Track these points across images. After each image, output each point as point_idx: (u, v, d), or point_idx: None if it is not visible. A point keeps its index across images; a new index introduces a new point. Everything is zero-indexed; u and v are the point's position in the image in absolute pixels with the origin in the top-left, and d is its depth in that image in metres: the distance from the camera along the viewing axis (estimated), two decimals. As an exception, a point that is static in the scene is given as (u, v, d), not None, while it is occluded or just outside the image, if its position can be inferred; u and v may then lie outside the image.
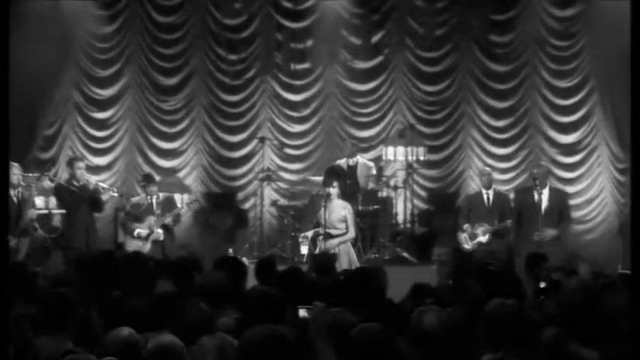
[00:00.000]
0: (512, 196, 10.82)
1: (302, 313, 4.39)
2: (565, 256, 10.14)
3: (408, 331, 3.86)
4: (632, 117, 4.31)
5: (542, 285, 6.15)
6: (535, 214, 8.94)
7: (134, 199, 10.33)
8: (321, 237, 8.72)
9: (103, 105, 13.03)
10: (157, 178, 10.88)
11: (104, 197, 9.75)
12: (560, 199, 8.99)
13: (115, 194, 10.17)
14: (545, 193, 8.93)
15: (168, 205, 10.24)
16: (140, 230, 9.95)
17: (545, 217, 8.95)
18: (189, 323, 4.23)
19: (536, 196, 8.97)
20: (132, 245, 9.85)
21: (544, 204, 8.96)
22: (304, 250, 9.22)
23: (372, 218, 11.62)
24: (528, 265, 7.07)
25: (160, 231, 9.94)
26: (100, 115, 13.03)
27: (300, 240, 9.03)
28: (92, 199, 9.57)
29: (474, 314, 4.20)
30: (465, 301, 4.85)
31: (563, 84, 12.82)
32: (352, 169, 11.76)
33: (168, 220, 9.99)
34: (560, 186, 12.54)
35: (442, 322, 3.68)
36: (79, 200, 9.54)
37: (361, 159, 11.96)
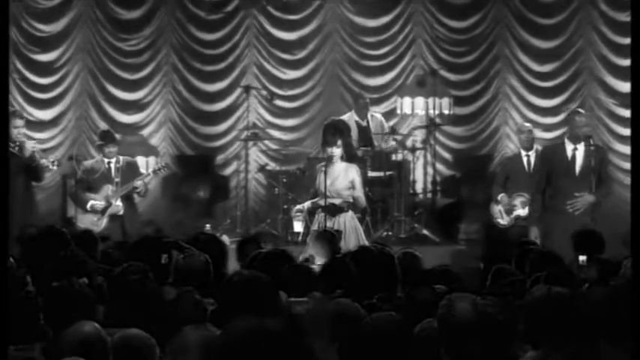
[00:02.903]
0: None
1: (297, 307, 4.43)
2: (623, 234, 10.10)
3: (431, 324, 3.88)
4: (632, 117, 4.48)
5: (582, 259, 6.17)
6: (568, 176, 8.82)
7: (87, 163, 10.31)
8: (319, 209, 8.71)
9: (47, 44, 12.96)
10: (117, 136, 10.83)
11: (44, 162, 9.70)
12: (599, 157, 8.87)
13: (54, 168, 10.09)
14: (580, 149, 8.83)
15: (130, 170, 10.21)
16: (95, 202, 9.95)
17: (579, 179, 8.82)
18: (182, 318, 4.28)
19: (569, 151, 8.86)
20: (84, 221, 9.85)
21: (578, 163, 8.85)
22: (298, 226, 9.21)
23: (385, 187, 11.63)
24: (576, 245, 7.08)
25: (120, 204, 9.93)
26: (44, 57, 12.97)
27: (294, 214, 9.03)
28: (26, 166, 9.51)
29: (513, 304, 4.21)
30: (499, 289, 4.86)
31: (624, 17, 12.73)
32: (364, 129, 11.74)
33: (130, 190, 9.97)
34: (618, 146, 12.51)
35: (478, 313, 3.69)
36: (16, 166, 9.49)
37: (374, 114, 11.93)
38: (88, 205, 9.92)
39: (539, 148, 10.66)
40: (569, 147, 8.83)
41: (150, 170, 10.51)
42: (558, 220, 8.62)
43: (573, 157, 8.80)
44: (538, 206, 8.96)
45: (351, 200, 8.74)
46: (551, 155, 9.01)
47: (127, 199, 10.04)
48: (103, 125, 12.51)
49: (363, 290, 5.01)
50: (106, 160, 10.06)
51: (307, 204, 8.91)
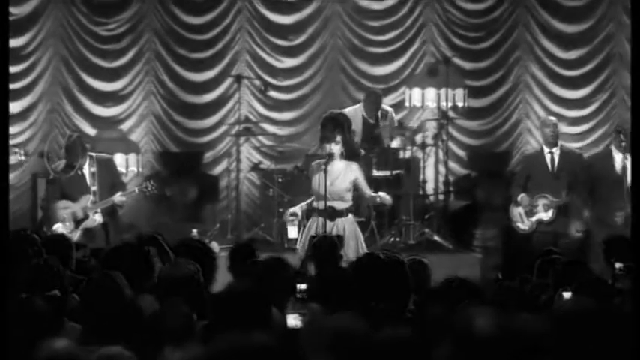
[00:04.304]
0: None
1: (292, 321, 4.41)
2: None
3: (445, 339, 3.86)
4: (632, 116, 4.64)
5: (619, 267, 6.17)
6: (617, 186, 8.86)
7: (61, 163, 10.24)
8: (315, 213, 8.65)
9: (14, 28, 12.88)
10: (92, 132, 10.72)
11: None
12: None
13: (22, 157, 9.97)
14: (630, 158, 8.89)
15: (107, 170, 10.13)
16: (71, 212, 9.84)
17: (628, 192, 8.87)
18: (167, 334, 4.26)
19: (618, 163, 8.88)
20: (56, 231, 9.76)
21: (629, 176, 8.89)
22: (293, 232, 9.15)
23: (392, 188, 11.55)
24: (607, 254, 7.07)
25: (97, 218, 9.83)
26: (11, 43, 12.86)
27: (288, 218, 8.97)
28: None
29: (539, 318, 4.18)
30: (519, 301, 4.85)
31: (659, -1, 12.74)
32: (372, 127, 11.70)
33: (109, 205, 9.86)
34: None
35: (500, 329, 3.66)
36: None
37: (384, 107, 11.91)
38: (64, 214, 9.81)
39: (566, 145, 10.66)
40: (617, 157, 8.84)
41: (136, 188, 10.36)
42: (602, 233, 8.67)
43: (624, 168, 8.82)
44: (579, 205, 8.99)
45: (351, 203, 8.69)
46: (599, 165, 9.05)
47: (108, 212, 9.95)
48: (77, 121, 12.50)
49: (368, 303, 4.97)
50: (79, 170, 9.92)
51: (302, 206, 8.85)
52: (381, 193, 8.75)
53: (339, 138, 8.55)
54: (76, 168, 9.79)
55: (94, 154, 10.09)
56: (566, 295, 5.21)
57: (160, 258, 6.12)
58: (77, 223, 9.81)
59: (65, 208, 9.80)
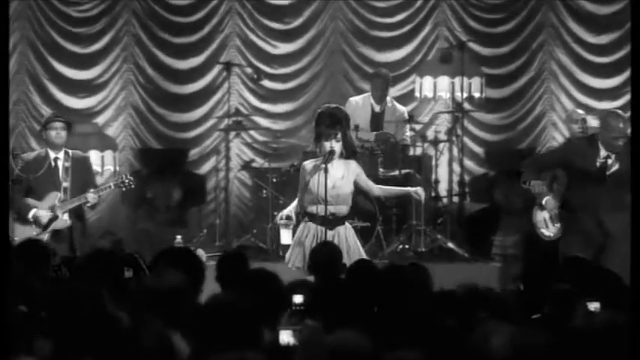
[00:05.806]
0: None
1: (285, 337, 4.42)
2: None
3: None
4: (632, 116, 4.76)
5: None
6: None
7: (28, 156, 10.25)
8: (306, 218, 8.65)
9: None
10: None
11: None
12: None
13: None
14: None
15: (82, 169, 10.16)
16: (39, 211, 9.87)
17: None
18: (143, 351, 4.29)
19: None
20: (23, 233, 9.78)
21: None
22: (287, 237, 9.13)
23: (400, 189, 11.62)
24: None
25: (67, 218, 9.84)
26: (-27, 27, 12.97)
27: (280, 221, 8.94)
28: None
29: (563, 334, 4.18)
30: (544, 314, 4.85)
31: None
32: (378, 117, 11.70)
33: (81, 203, 9.87)
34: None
35: (520, 348, 3.65)
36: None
37: (392, 101, 11.91)
38: (31, 214, 9.84)
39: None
40: None
41: (111, 183, 10.37)
42: None
43: None
44: None
45: (350, 206, 8.69)
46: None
47: (77, 214, 9.96)
48: (46, 111, 12.50)
49: (369, 317, 4.98)
50: (52, 154, 9.99)
51: (294, 209, 8.81)
52: (417, 188, 8.74)
53: (339, 134, 8.54)
54: (51, 143, 9.82)
55: (70, 152, 10.09)
56: (592, 306, 5.21)
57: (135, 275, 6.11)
58: (45, 226, 9.81)
59: (33, 208, 9.81)
